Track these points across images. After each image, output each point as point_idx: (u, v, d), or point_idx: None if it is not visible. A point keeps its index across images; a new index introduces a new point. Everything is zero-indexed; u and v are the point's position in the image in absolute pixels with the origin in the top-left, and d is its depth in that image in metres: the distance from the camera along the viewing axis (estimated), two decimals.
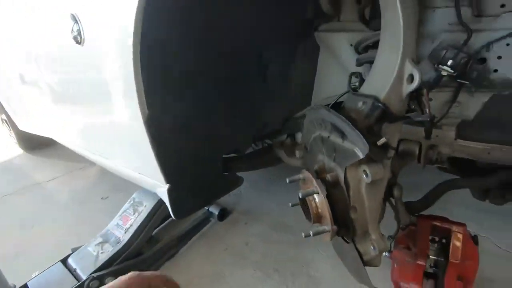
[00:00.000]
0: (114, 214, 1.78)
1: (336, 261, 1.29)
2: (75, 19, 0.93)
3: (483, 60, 0.78)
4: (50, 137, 2.00)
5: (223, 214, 1.64)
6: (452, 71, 0.76)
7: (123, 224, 1.34)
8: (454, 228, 0.88)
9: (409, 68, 0.63)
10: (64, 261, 1.28)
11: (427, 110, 0.64)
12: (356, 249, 0.72)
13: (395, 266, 0.99)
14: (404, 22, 0.62)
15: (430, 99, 0.86)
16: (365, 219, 0.70)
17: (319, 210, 0.70)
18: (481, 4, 0.75)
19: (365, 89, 0.72)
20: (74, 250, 1.33)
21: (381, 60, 0.70)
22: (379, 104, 0.64)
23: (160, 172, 0.96)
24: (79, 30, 0.93)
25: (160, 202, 1.38)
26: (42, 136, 2.29)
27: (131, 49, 0.73)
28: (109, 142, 1.19)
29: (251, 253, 1.40)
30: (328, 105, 0.85)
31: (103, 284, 1.17)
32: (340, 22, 1.02)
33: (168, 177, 0.98)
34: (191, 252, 1.46)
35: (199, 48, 0.89)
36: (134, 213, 1.37)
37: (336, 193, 0.69)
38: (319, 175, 0.74)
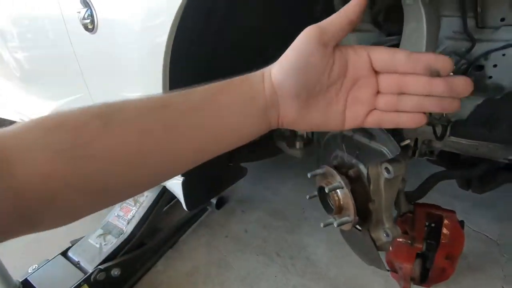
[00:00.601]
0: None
1: (331, 245, 1.41)
2: (85, 3, 0.89)
3: (481, 68, 0.88)
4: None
5: (220, 202, 1.68)
6: None
7: (125, 215, 1.33)
8: (446, 214, 1.00)
9: None
10: (64, 254, 1.25)
11: (444, 114, 0.71)
12: (370, 236, 0.81)
13: (391, 248, 1.11)
14: (428, 34, 0.68)
15: None
16: (381, 210, 0.78)
17: (341, 203, 0.77)
18: (484, 17, 0.83)
19: None
20: (73, 242, 1.30)
21: None
22: None
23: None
24: (91, 15, 0.89)
25: (161, 193, 1.38)
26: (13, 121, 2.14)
27: (163, 43, 0.72)
28: None
29: (252, 239, 1.47)
30: None
31: (110, 275, 1.18)
32: None
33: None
34: (192, 240, 1.49)
35: (216, 42, 0.90)
36: (135, 204, 1.36)
37: (357, 187, 0.76)
38: (339, 170, 0.80)
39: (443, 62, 0.35)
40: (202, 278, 1.29)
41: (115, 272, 1.19)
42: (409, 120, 0.39)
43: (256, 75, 0.40)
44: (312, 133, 1.33)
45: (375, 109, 0.40)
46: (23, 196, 0.29)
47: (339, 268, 1.28)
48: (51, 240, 1.53)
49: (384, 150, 0.66)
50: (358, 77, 0.39)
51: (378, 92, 0.39)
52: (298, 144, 1.39)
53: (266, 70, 0.40)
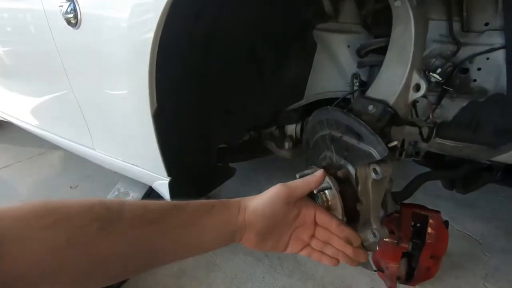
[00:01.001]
0: None
1: None
2: None
3: (466, 71, 0.90)
4: (5, 118, 1.81)
5: None
6: (440, 78, 0.87)
7: None
8: (431, 214, 1.02)
9: (416, 78, 0.71)
10: None
11: (430, 115, 0.72)
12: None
13: (377, 248, 1.12)
14: (416, 36, 0.69)
15: (417, 102, 0.98)
16: (368, 211, 0.78)
17: (330, 203, 0.77)
18: (469, 21, 0.85)
19: (372, 93, 0.79)
20: None
21: (389, 68, 0.77)
22: (389, 109, 0.71)
23: (162, 165, 0.96)
24: (74, 10, 0.86)
25: (148, 193, 1.35)
26: None
27: (150, 38, 0.70)
28: (100, 132, 1.13)
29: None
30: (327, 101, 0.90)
31: None
32: (338, 23, 1.07)
33: (170, 170, 0.98)
34: None
35: (207, 42, 0.88)
36: None
37: (345, 188, 0.76)
38: (327, 170, 0.80)
39: (355, 239, 0.61)
40: (189, 280, 1.27)
41: None
42: (328, 261, 0.59)
43: (234, 205, 0.54)
44: (301, 133, 1.34)
45: (309, 245, 0.59)
46: (11, 282, 0.31)
47: (327, 268, 1.29)
48: None
49: (373, 151, 0.66)
50: (303, 223, 0.58)
51: (313, 236, 0.59)
52: (287, 145, 1.40)
53: (242, 204, 0.55)
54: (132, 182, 1.37)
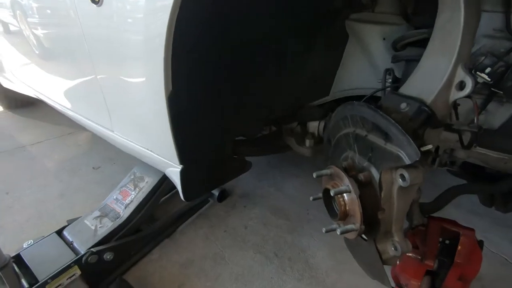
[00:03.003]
0: (108, 186, 1.74)
1: (333, 250, 1.34)
2: None
3: None
4: (39, 97, 1.88)
5: (223, 195, 1.63)
6: (489, 79, 0.75)
7: (123, 199, 1.30)
8: (463, 231, 0.91)
9: (461, 74, 0.61)
10: (59, 233, 1.23)
11: (475, 119, 0.62)
12: (376, 248, 0.73)
13: (398, 262, 1.03)
14: (465, 25, 0.59)
15: (458, 105, 0.86)
16: (390, 221, 0.70)
17: (347, 208, 0.70)
18: None
19: (407, 90, 0.70)
20: (70, 222, 1.28)
21: (429, 62, 0.67)
22: (425, 108, 0.62)
23: (174, 152, 0.93)
24: None
25: (162, 180, 1.34)
26: (27, 96, 2.15)
27: (166, 19, 0.67)
28: (118, 114, 1.12)
29: (250, 236, 1.41)
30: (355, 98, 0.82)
31: (102, 259, 1.15)
32: (374, 13, 0.97)
33: (182, 158, 0.95)
34: (191, 231, 1.45)
35: (226, 31, 0.83)
36: (134, 189, 1.33)
37: (366, 193, 0.68)
38: (348, 172, 0.73)
39: None
40: (196, 271, 1.24)
41: (108, 256, 1.16)
42: None
43: None
44: (323, 131, 1.26)
45: None
46: None
47: (339, 275, 1.21)
48: (53, 216, 1.53)
49: (401, 154, 0.58)
50: None
51: None
52: (307, 142, 1.32)
53: None
54: (148, 167, 1.36)
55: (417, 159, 0.55)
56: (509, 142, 0.86)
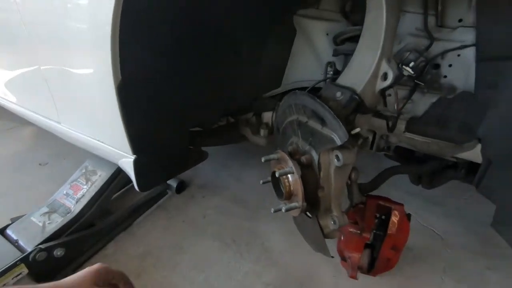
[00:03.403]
0: (57, 182, 1.64)
1: (286, 233, 1.42)
2: None
3: (437, 66, 0.90)
4: None
5: (181, 187, 1.64)
6: (412, 72, 0.87)
7: (74, 194, 1.26)
8: (394, 206, 1.04)
9: (384, 67, 0.70)
10: (2, 232, 1.16)
11: (395, 106, 0.72)
12: (318, 223, 0.81)
13: (342, 237, 1.14)
14: (386, 24, 0.68)
15: (389, 95, 0.98)
16: (329, 198, 0.78)
17: (292, 189, 0.76)
18: (444, 16, 0.85)
19: (342, 80, 0.78)
20: (14, 220, 1.21)
21: (360, 56, 0.76)
22: (356, 97, 0.71)
23: (127, 142, 0.92)
24: None
25: (116, 173, 1.31)
26: None
27: (112, 5, 0.67)
28: (66, 105, 1.08)
29: (209, 225, 1.45)
30: (303, 89, 0.89)
31: (52, 255, 1.11)
32: (319, 10, 1.05)
33: (135, 148, 0.95)
34: (148, 223, 1.44)
35: (178, 17, 0.85)
36: (86, 183, 1.29)
37: (308, 173, 0.76)
38: (293, 156, 0.80)
39: None
40: (153, 262, 1.25)
41: (59, 252, 1.11)
42: None
43: None
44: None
45: None
46: None
47: (292, 255, 1.30)
48: None
49: (334, 136, 0.66)
50: None
51: None
52: (262, 132, 1.38)
53: None
54: (101, 160, 1.33)
55: (346, 140, 0.62)
56: (431, 128, 0.99)
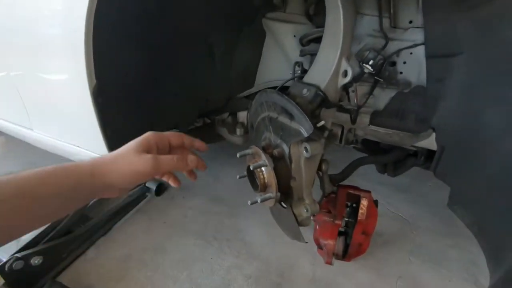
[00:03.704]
0: None
1: (266, 227, 1.48)
2: None
3: (394, 64, 1.00)
4: None
5: (160, 189, 1.65)
6: (372, 70, 0.95)
7: None
8: (362, 194, 1.12)
9: (344, 65, 0.77)
10: None
11: (355, 100, 0.79)
12: (292, 212, 0.87)
13: (317, 227, 1.21)
14: (344, 26, 0.75)
15: (352, 91, 1.06)
16: (301, 187, 0.84)
17: (266, 181, 0.82)
18: (396, 18, 0.94)
19: (308, 78, 0.85)
20: None
21: (323, 55, 0.83)
22: (320, 93, 0.77)
23: (104, 145, 0.94)
24: None
25: None
26: None
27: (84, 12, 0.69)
28: (39, 111, 1.07)
29: (190, 225, 1.47)
30: (275, 88, 0.95)
31: (29, 264, 1.09)
32: (286, 13, 1.12)
33: (113, 150, 0.96)
34: (129, 226, 1.44)
35: (151, 20, 0.88)
36: None
37: (280, 165, 0.81)
38: (266, 150, 0.85)
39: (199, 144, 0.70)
40: (136, 264, 1.26)
41: (36, 260, 1.10)
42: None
43: (84, 172, 0.53)
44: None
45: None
46: None
47: (272, 248, 1.35)
48: None
49: (301, 129, 0.72)
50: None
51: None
52: (238, 131, 1.43)
53: (96, 170, 0.53)
54: None
55: (311, 131, 0.68)
56: (391, 120, 1.08)
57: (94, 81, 0.81)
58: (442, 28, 0.84)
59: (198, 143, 0.68)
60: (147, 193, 1.63)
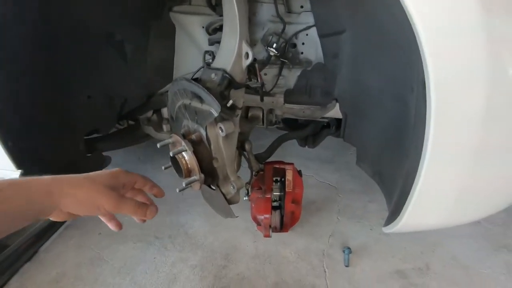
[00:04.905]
0: None
1: (207, 217, 1.50)
2: None
3: (294, 45, 1.11)
4: None
5: None
6: (276, 52, 1.05)
7: None
8: (287, 167, 1.22)
9: (245, 47, 0.84)
10: None
11: (258, 79, 0.87)
12: (221, 191, 0.92)
13: (253, 205, 1.28)
14: (238, 13, 0.81)
15: (265, 74, 1.15)
16: (224, 166, 0.89)
17: (189, 165, 0.85)
18: (289, 3, 1.04)
19: (215, 63, 0.89)
20: None
21: (225, 41, 0.88)
22: (227, 75, 0.83)
23: (8, 159, 0.86)
24: None
25: None
26: None
27: None
28: None
29: (128, 230, 1.42)
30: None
31: None
32: (192, 5, 1.15)
33: (19, 162, 0.89)
34: (58, 245, 1.33)
35: (40, 25, 0.83)
36: None
37: (201, 148, 0.85)
38: (185, 137, 0.88)
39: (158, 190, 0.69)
40: (71, 281, 1.17)
41: None
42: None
43: (39, 188, 0.49)
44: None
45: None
46: None
47: (215, 235, 1.39)
48: None
49: (211, 110, 0.76)
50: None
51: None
52: (165, 127, 1.42)
53: (55, 189, 0.50)
54: None
55: (219, 110, 0.74)
56: (301, 96, 1.20)
57: None
58: (326, 10, 0.97)
59: (156, 190, 0.68)
60: None
